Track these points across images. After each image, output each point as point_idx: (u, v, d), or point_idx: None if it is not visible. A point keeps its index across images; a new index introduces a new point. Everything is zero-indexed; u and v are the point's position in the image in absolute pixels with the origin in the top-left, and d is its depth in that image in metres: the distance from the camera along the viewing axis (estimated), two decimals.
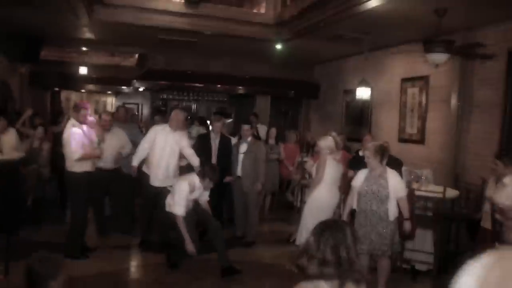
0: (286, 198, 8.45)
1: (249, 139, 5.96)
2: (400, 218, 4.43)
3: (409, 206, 4.45)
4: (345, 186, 6.09)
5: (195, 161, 5.55)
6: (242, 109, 11.57)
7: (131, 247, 5.70)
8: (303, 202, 7.44)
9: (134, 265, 5.32)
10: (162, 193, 5.54)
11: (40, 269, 2.27)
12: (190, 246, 4.64)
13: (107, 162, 5.78)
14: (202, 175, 4.74)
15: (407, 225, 4.43)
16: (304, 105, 11.76)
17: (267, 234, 6.75)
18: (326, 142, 5.29)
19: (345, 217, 4.66)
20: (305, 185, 7.32)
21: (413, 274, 5.05)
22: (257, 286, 4.65)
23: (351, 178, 5.92)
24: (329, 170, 5.20)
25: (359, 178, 4.56)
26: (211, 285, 4.53)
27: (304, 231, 5.34)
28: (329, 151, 5.27)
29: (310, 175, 7.09)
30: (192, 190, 4.71)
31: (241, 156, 5.95)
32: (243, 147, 5.94)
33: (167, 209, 4.86)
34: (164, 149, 5.47)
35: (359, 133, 8.65)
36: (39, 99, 11.15)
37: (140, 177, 5.80)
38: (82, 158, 4.92)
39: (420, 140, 7.08)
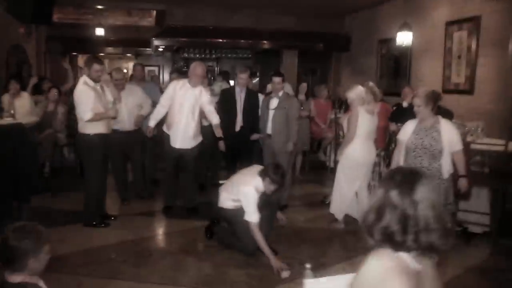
0: (318, 158, 7.92)
1: (281, 93, 5.36)
2: (455, 176, 3.85)
3: (465, 161, 3.86)
4: (383, 141, 5.50)
5: (214, 119, 5.03)
6: (267, 67, 10.89)
7: (154, 213, 5.32)
8: (336, 161, 6.91)
9: (157, 233, 4.92)
10: (185, 155, 5.12)
11: (16, 243, 1.81)
12: (276, 263, 3.70)
13: (124, 123, 5.34)
14: (263, 174, 3.95)
15: (463, 183, 3.84)
16: (334, 59, 10.96)
17: (299, 196, 6.26)
18: (356, 92, 4.68)
19: None
20: (339, 143, 6.76)
21: (467, 237, 4.50)
22: (291, 252, 4.20)
23: (393, 132, 5.34)
24: (363, 123, 4.62)
25: (407, 130, 3.96)
26: (242, 254, 4.10)
27: (338, 194, 4.83)
28: (360, 102, 4.67)
29: (343, 132, 6.53)
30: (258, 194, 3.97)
31: (271, 113, 5.39)
32: (274, 103, 5.36)
33: (220, 204, 4.20)
34: (183, 107, 4.97)
35: (396, 86, 7.94)
36: (56, 64, 10.78)
37: (160, 139, 5.39)
38: (94, 119, 4.48)
39: (469, 90, 6.31)
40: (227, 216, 4.17)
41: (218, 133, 5.02)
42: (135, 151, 5.58)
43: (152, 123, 5.11)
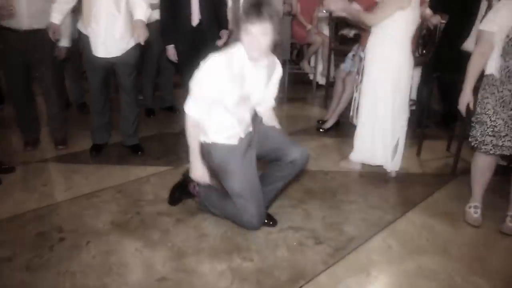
0: (299, 69, 6.19)
1: None
2: None
3: None
4: (414, 41, 3.82)
5: (138, 9, 3.04)
6: None
7: (76, 157, 3.52)
8: (325, 74, 5.26)
9: (76, 193, 2.98)
10: (115, 66, 3.29)
11: None
12: (199, 174, 2.40)
13: (22, 19, 3.22)
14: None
15: None
16: None
17: (284, 119, 4.55)
18: None
19: (468, 90, 2.47)
20: (332, 48, 5.05)
21: None
22: (293, 217, 2.68)
23: (435, 26, 3.68)
24: (413, 11, 2.89)
25: (504, 15, 2.30)
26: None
27: (365, 118, 3.17)
28: None
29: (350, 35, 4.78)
30: (230, 71, 2.17)
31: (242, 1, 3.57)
32: None
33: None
34: None
35: None
36: None
37: (79, 43, 3.49)
38: None
39: None
40: (210, 158, 2.43)
41: (141, 34, 3.01)
42: (40, 65, 3.47)
43: (55, 17, 3.14)
